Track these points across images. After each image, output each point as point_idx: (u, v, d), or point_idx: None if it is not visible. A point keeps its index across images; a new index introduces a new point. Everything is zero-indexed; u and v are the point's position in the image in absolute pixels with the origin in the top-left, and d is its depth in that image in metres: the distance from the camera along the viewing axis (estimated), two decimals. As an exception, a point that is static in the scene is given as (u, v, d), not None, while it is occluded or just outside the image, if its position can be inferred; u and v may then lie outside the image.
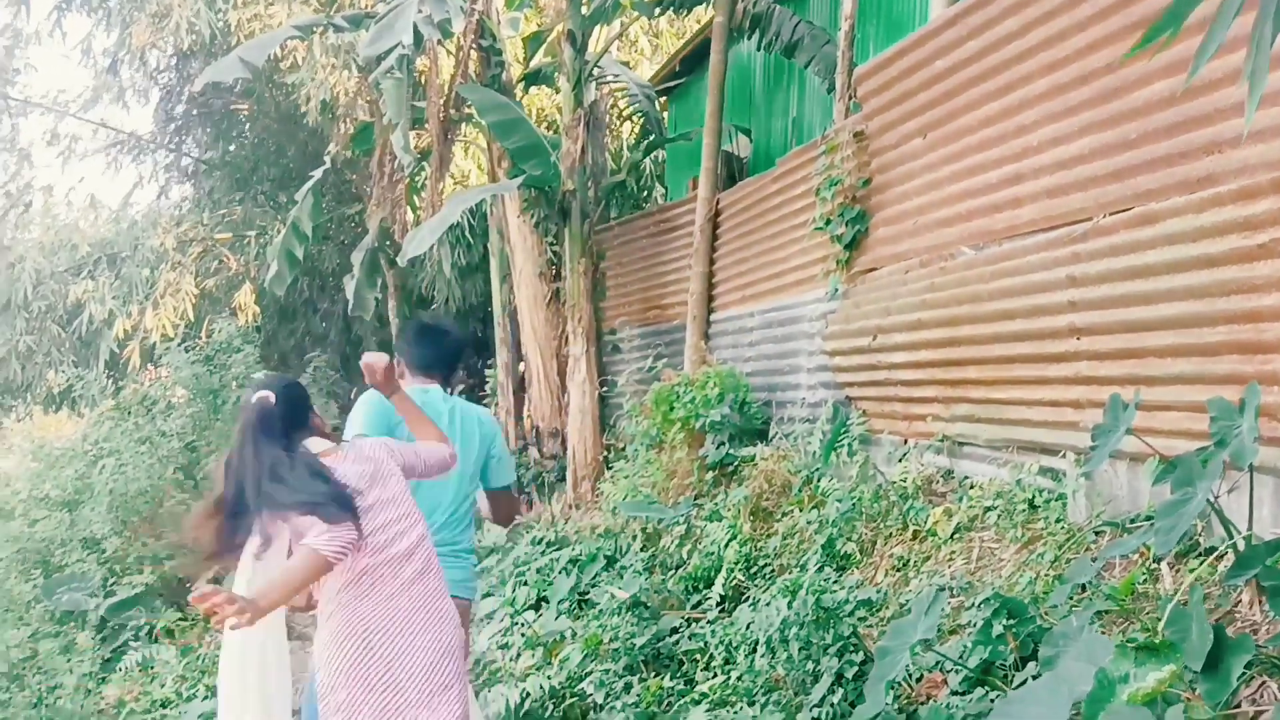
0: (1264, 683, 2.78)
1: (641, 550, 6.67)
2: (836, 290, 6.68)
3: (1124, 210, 4.21)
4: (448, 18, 8.24)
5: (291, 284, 12.62)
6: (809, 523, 5.56)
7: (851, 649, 4.01)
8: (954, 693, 3.52)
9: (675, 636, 5.28)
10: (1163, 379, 4.00)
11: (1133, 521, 4.03)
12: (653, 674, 5.00)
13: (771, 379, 7.76)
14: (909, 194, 5.92)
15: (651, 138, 12.26)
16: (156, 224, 15.19)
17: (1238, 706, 2.72)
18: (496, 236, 10.98)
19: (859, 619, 4.33)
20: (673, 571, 6.23)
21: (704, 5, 10.41)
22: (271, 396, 2.94)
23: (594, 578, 6.48)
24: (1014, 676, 3.37)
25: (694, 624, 5.34)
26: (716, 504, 6.62)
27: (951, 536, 4.85)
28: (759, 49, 9.77)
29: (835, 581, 4.81)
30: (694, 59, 12.17)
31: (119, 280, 14.64)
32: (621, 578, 6.06)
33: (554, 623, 5.84)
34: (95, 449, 9.52)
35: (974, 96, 5.27)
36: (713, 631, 4.98)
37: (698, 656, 4.98)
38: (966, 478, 5.35)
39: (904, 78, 5.90)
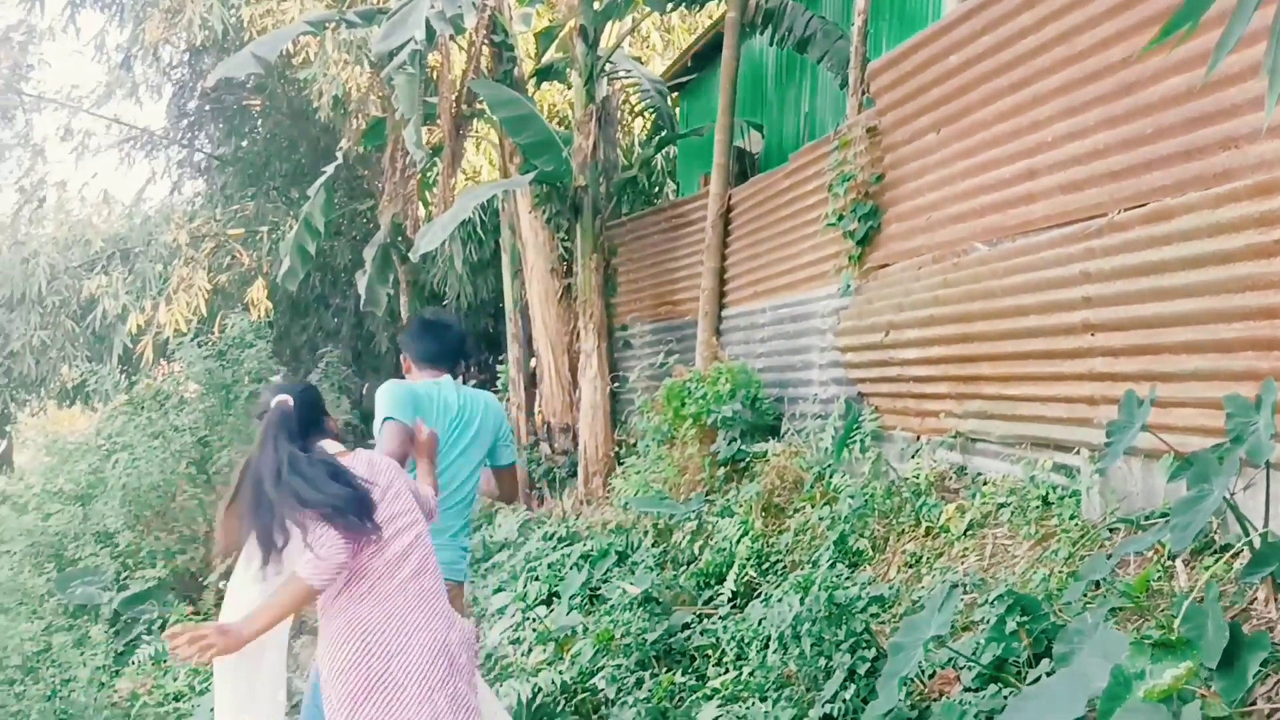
0: (1280, 680, 2.77)
1: (653, 546, 6.67)
2: (849, 286, 6.67)
3: (1139, 206, 4.19)
4: (460, 13, 8.24)
5: (304, 279, 12.66)
6: (821, 519, 5.56)
7: (864, 645, 4.00)
8: (967, 689, 3.51)
9: (687, 632, 5.28)
10: (1178, 375, 3.98)
11: (1147, 518, 4.01)
12: (664, 669, 5.00)
13: (783, 375, 7.75)
14: (922, 190, 5.90)
15: (663, 133, 12.25)
16: (169, 219, 15.24)
17: (1253, 704, 2.71)
18: (508, 232, 10.98)
19: (871, 615, 4.32)
20: (684, 567, 6.23)
21: (716, 1, 10.39)
22: (290, 400, 3.07)
23: (605, 573, 6.48)
24: (1027, 673, 3.36)
25: (706, 620, 5.34)
26: (728, 500, 6.62)
27: (964, 533, 4.83)
28: (771, 44, 9.76)
29: (847, 578, 4.80)
30: (706, 54, 12.15)
31: (132, 275, 14.69)
32: (633, 573, 6.07)
33: (565, 618, 5.84)
34: (108, 443, 9.56)
35: (988, 92, 5.25)
36: (725, 627, 4.97)
37: (709, 652, 4.98)
38: (979, 474, 5.34)
39: (917, 73, 5.88)
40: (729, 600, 5.45)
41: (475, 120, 11.21)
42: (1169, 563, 3.67)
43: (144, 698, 6.62)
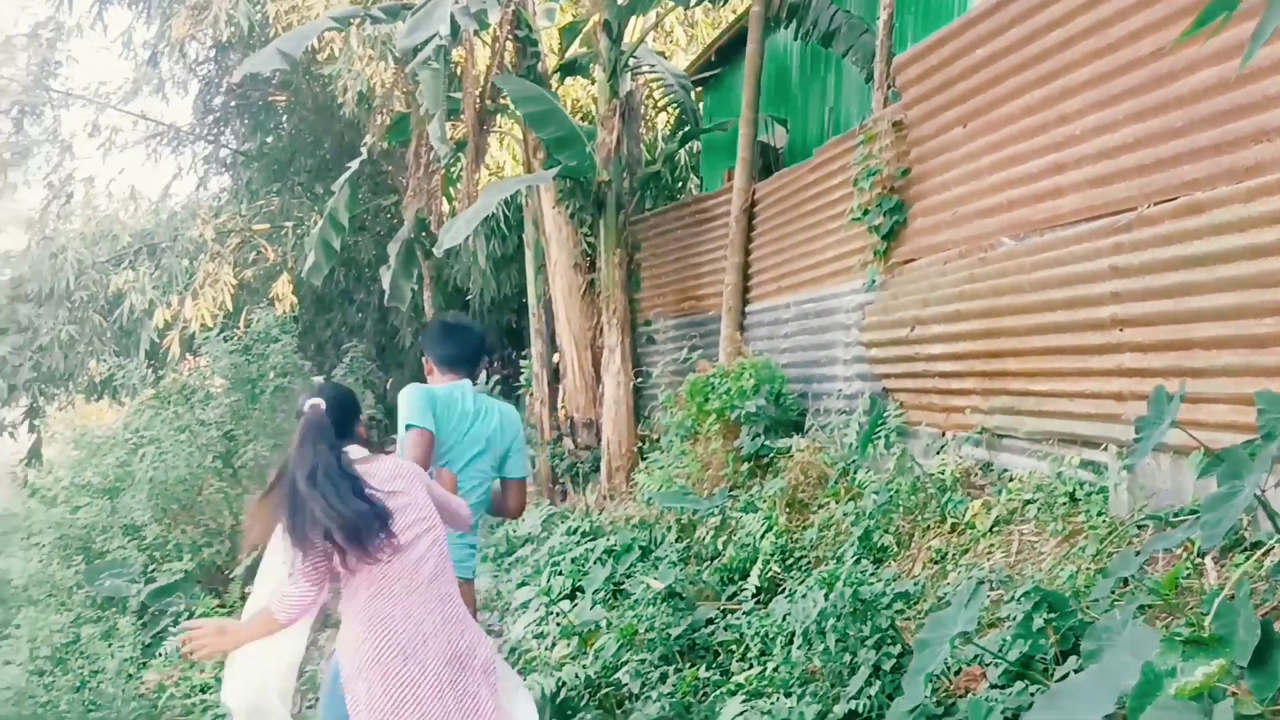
0: (1312, 679, 2.73)
1: (676, 541, 6.67)
2: (874, 281, 6.64)
3: (1169, 200, 4.15)
4: (484, 8, 8.26)
5: (328, 274, 12.73)
6: (845, 515, 5.53)
7: (889, 642, 3.98)
8: (993, 686, 3.49)
9: (710, 627, 5.27)
10: (1209, 371, 3.94)
11: (1177, 515, 3.98)
12: (688, 664, 4.99)
13: (807, 370, 7.73)
14: (948, 184, 5.87)
15: (687, 128, 12.23)
16: (195, 215, 15.33)
17: (1286, 703, 2.68)
18: (532, 228, 10.99)
19: (896, 612, 4.30)
20: (708, 563, 6.23)
21: (740, -5, 10.36)
22: (322, 403, 3.15)
23: (629, 568, 6.47)
24: (1054, 671, 3.33)
25: (729, 615, 5.34)
26: (752, 496, 6.60)
27: (990, 529, 4.81)
28: (796, 38, 9.72)
29: (872, 574, 4.78)
30: (730, 49, 12.11)
31: (159, 270, 14.78)
32: (656, 568, 6.07)
33: (589, 612, 5.84)
34: (136, 437, 9.62)
35: (1015, 85, 5.21)
36: (748, 623, 4.96)
37: (733, 647, 4.97)
38: (1005, 470, 5.31)
39: (944, 66, 5.85)
40: (753, 596, 5.43)
41: (499, 115, 11.24)
42: (1198, 560, 3.64)
43: (171, 689, 6.67)
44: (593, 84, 11.88)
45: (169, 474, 8.90)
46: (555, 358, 11.07)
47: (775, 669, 4.38)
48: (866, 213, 6.57)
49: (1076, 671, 3.03)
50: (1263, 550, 3.36)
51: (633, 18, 10.36)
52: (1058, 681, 3.17)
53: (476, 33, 9.96)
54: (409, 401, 3.74)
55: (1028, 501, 4.79)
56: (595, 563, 6.72)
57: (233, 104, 15.89)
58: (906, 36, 8.31)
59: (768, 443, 7.10)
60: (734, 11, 13.09)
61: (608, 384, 9.82)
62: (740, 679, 4.49)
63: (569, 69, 11.92)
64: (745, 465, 7.13)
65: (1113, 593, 3.58)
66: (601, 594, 6.25)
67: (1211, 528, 2.86)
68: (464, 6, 8.02)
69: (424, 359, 4.14)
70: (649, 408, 10.07)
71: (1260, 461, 2.91)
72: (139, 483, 8.99)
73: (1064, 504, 4.59)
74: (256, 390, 9.71)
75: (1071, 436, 4.81)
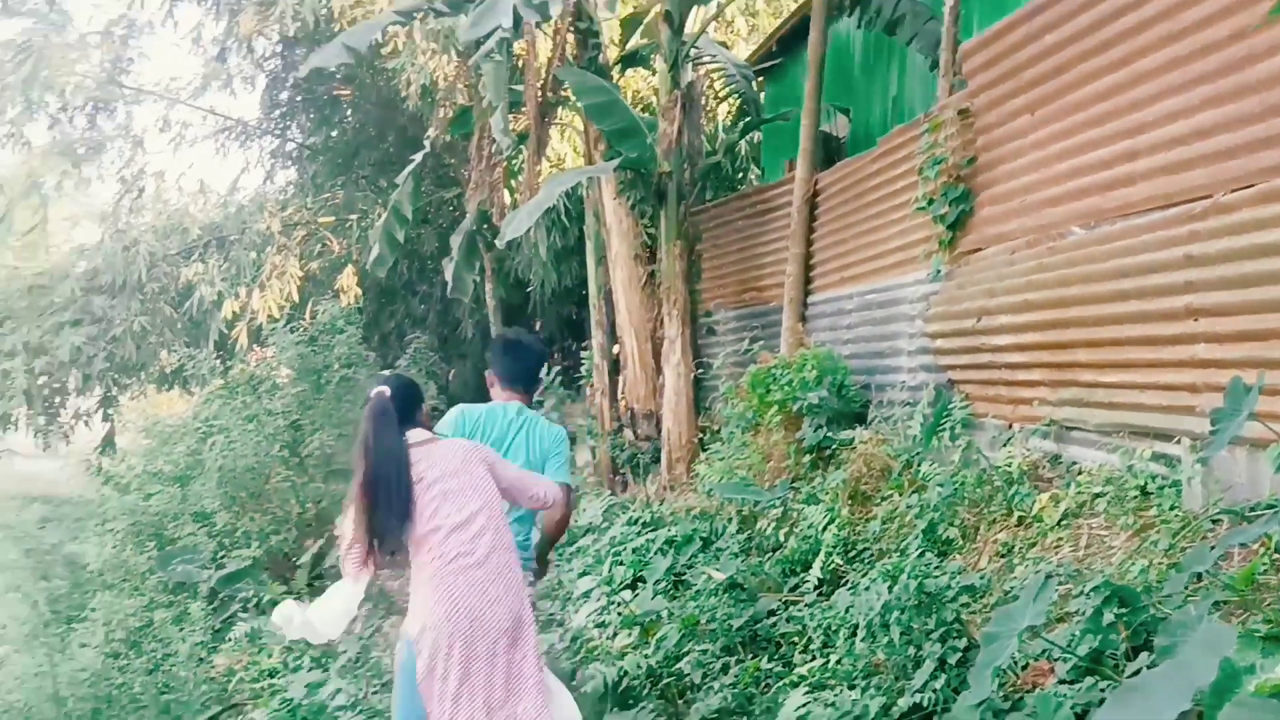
0: (1397, 678, 2.66)
1: (738, 532, 6.65)
2: (939, 271, 6.56)
3: (1247, 187, 4.05)
4: (546, 1, 8.27)
5: (392, 266, 12.88)
6: (909, 507, 5.48)
7: (955, 635, 3.94)
8: (1062, 681, 3.43)
9: (773, 619, 5.26)
10: (1287, 362, 3.84)
11: (1253, 510, 3.88)
12: (750, 655, 4.99)
13: (870, 361, 7.66)
14: (1016, 172, 5.78)
15: (748, 119, 12.17)
16: (263, 208, 15.61)
17: (1369, 702, 2.61)
18: (592, 219, 11.01)
19: (962, 605, 4.25)
20: (769, 554, 6.20)
21: (803, -16, 10.27)
22: (387, 391, 3.50)
23: (690, 559, 6.47)
24: (1125, 667, 3.27)
25: (791, 607, 5.31)
26: (814, 487, 6.57)
27: (1058, 523, 4.73)
28: (859, 27, 9.61)
29: (937, 567, 4.72)
30: (791, 38, 12.02)
31: (227, 263, 15.09)
32: (718, 559, 6.06)
33: (650, 602, 5.85)
34: (205, 427, 9.80)
35: (1086, 71, 5.11)
36: (811, 614, 4.94)
37: (795, 639, 4.95)
38: (1074, 463, 5.22)
39: (1012, 53, 5.75)
40: (815, 588, 5.40)
41: (560, 107, 11.26)
42: (1276, 555, 3.55)
43: (240, 673, 6.80)
44: (654, 75, 11.87)
45: (237, 462, 9.07)
46: (615, 349, 11.08)
47: (838, 661, 4.36)
48: (931, 202, 6.49)
49: (1149, 668, 2.97)
50: (1344, 546, 3.27)
51: (694, 8, 10.32)
52: (1129, 678, 3.11)
53: (538, 25, 9.98)
54: (444, 420, 4.14)
55: (1097, 495, 4.71)
56: (656, 553, 6.73)
57: (299, 98, 16.16)
58: (973, 23, 8.18)
59: (830, 434, 7.05)
60: (795, 1, 12.98)
61: (668, 375, 9.81)
62: (803, 671, 4.47)
63: (630, 60, 11.91)
64: (807, 457, 7.09)
65: (1186, 588, 3.50)
66: (663, 584, 6.26)
67: (1291, 522, 2.80)
68: (526, -1, 8.04)
69: (486, 373, 4.41)
70: (709, 399, 10.06)
71: (1343, 454, 2.83)
72: (208, 471, 9.17)
73: (1135, 498, 4.50)
74: (322, 381, 9.85)
75: (1143, 429, 4.71)
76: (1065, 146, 5.29)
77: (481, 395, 4.52)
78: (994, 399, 6.03)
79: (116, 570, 8.66)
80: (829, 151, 10.17)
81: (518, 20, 7.91)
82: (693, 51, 10.30)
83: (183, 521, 9.12)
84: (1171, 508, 4.27)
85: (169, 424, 10.63)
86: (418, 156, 11.88)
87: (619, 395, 10.85)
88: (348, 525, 3.43)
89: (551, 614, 6.49)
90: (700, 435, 9.54)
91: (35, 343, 14.31)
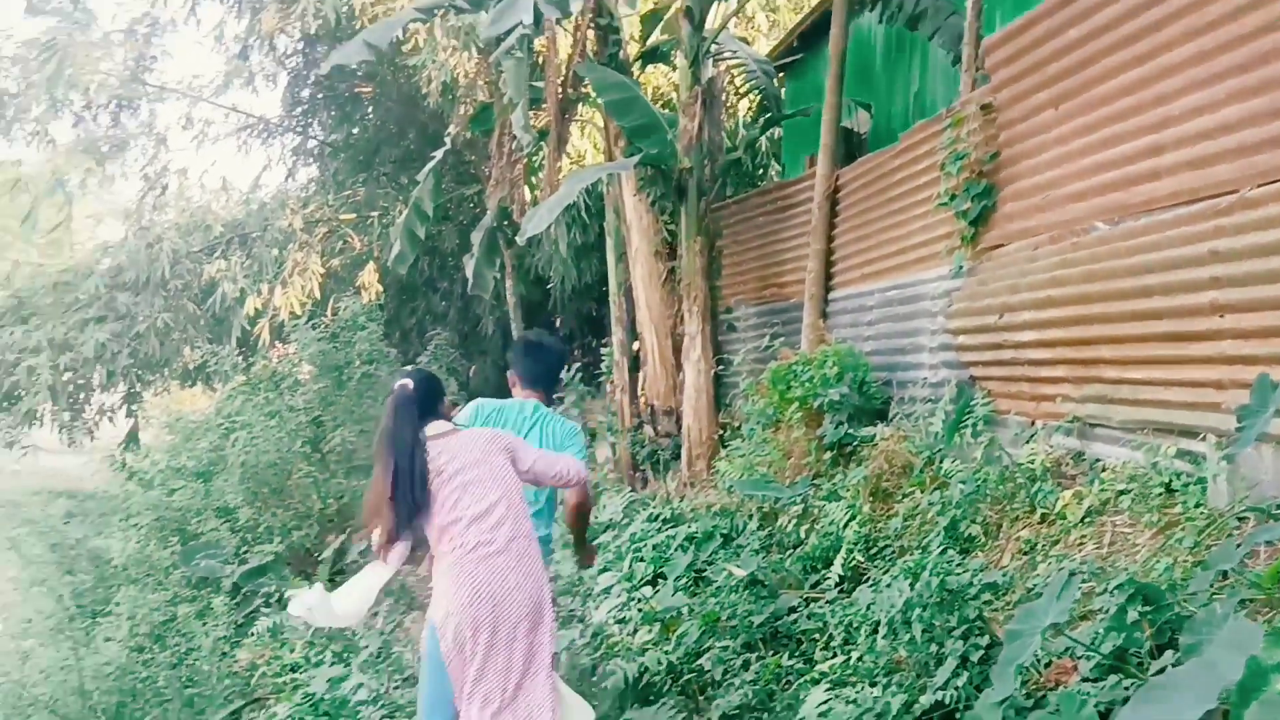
0: None
1: (758, 529, 6.64)
2: (961, 267, 6.53)
3: (1273, 181, 4.01)
4: (566, -3, 8.26)
5: (413, 263, 12.91)
6: (931, 504, 5.46)
7: (977, 632, 3.92)
8: (1085, 679, 3.41)
9: (793, 615, 5.25)
10: (1315, 358, 3.80)
11: (1279, 507, 3.85)
12: (771, 652, 4.98)
13: (892, 358, 7.63)
14: (1039, 167, 5.74)
15: (769, 114, 12.13)
16: (284, 205, 15.68)
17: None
18: (613, 215, 11.01)
19: (984, 602, 4.23)
20: (790, 551, 6.19)
21: (824, -21, 10.22)
22: (410, 384, 3.64)
23: (711, 555, 6.46)
24: (1149, 665, 3.25)
25: (812, 603, 5.30)
26: (835, 484, 6.55)
27: (1082, 520, 4.70)
28: (880, 21, 9.57)
29: (959, 564, 4.70)
30: (812, 34, 11.97)
31: (250, 260, 15.17)
32: (738, 556, 6.05)
33: (671, 599, 5.85)
34: (227, 422, 9.85)
35: (1110, 65, 5.08)
36: (832, 611, 4.93)
37: (816, 636, 4.94)
38: (1098, 460, 5.18)
39: (1035, 47, 5.72)
40: (836, 585, 5.39)
41: (580, 104, 11.25)
42: (1303, 554, 3.52)
43: (262, 668, 6.83)
44: (674, 71, 11.85)
45: (259, 458, 9.11)
46: (635, 345, 11.08)
47: (859, 658, 4.34)
48: (954, 197, 6.46)
49: (1174, 666, 2.95)
50: (1373, 544, 3.23)
51: (715, 4, 10.30)
52: (1154, 676, 3.09)
53: (559, 21, 9.98)
54: (461, 414, 4.21)
55: (1121, 492, 4.68)
56: (677, 549, 6.72)
57: (320, 96, 16.21)
58: (995, 18, 8.13)
59: (851, 431, 7.03)
60: (816, -4, 12.93)
61: (688, 372, 9.80)
62: (824, 667, 4.46)
63: (650, 56, 11.90)
64: (828, 454, 7.07)
65: (1211, 586, 3.48)
66: (683, 580, 6.25)
67: (1319, 520, 2.77)
68: (546, -5, 8.04)
69: (508, 373, 4.52)
70: (729, 395, 10.04)
71: (1372, 452, 2.80)
72: (231, 467, 9.22)
73: (1159, 495, 4.47)
74: (343, 377, 9.89)
75: (1168, 426, 4.68)
76: (1089, 141, 5.25)
77: (502, 392, 4.56)
78: (1016, 395, 6.00)
79: (140, 565, 8.70)
80: (850, 147, 10.13)
81: (538, 16, 7.91)
82: (713, 47, 10.27)
83: (206, 517, 9.17)
84: (1197, 505, 4.24)
85: (192, 420, 10.70)
86: (438, 153, 11.92)
87: (639, 392, 10.85)
88: (368, 512, 3.59)
89: (572, 610, 6.50)
90: (720, 432, 9.53)
91: (60, 339, 14.42)
